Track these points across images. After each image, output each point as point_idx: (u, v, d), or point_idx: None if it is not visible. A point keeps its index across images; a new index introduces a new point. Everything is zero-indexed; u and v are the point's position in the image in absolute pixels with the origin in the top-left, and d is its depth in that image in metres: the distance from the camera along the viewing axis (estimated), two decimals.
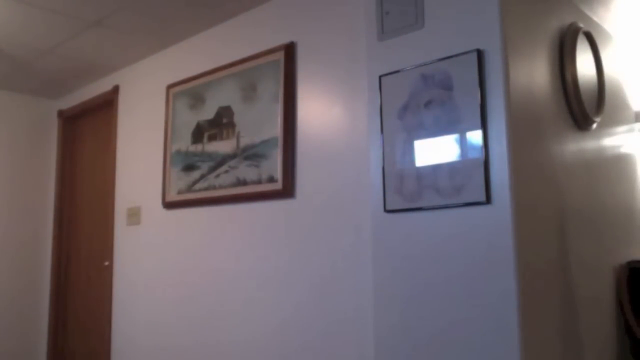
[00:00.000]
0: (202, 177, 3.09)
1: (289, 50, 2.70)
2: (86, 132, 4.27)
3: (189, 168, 3.18)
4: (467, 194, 1.76)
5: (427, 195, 1.86)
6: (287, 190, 2.62)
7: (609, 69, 2.57)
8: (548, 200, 1.95)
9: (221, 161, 2.99)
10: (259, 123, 2.81)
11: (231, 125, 2.96)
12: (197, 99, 3.19)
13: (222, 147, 2.99)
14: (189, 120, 3.23)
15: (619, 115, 2.73)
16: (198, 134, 3.16)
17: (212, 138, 3.07)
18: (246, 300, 2.78)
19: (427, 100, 1.89)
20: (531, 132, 1.88)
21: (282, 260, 2.63)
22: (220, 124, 3.02)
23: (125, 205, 3.68)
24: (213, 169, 3.03)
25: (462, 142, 1.80)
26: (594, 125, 2.35)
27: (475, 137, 1.77)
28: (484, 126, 1.75)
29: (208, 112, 3.11)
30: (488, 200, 1.72)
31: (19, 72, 3.90)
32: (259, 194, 2.75)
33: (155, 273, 3.36)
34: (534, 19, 2.01)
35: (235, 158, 2.91)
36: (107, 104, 3.97)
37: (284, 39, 2.76)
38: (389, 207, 1.96)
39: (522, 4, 1.93)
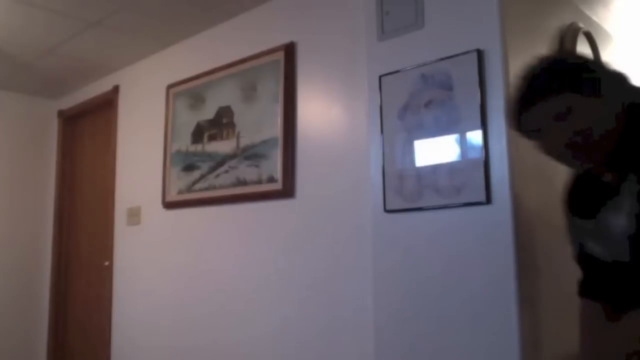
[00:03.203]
0: (202, 177, 3.08)
1: (289, 50, 2.70)
2: (86, 132, 4.27)
3: (189, 168, 3.18)
4: (467, 194, 1.76)
5: (427, 195, 1.86)
6: (287, 190, 2.62)
7: None
8: (548, 200, 1.95)
9: (221, 161, 2.98)
10: (259, 123, 2.81)
11: (231, 125, 2.96)
12: (197, 99, 3.19)
13: (222, 147, 2.99)
14: (189, 120, 3.23)
15: None
16: (198, 134, 3.16)
17: (212, 138, 3.07)
18: (246, 300, 2.78)
19: (427, 100, 1.89)
20: None
21: (282, 260, 2.63)
22: (220, 124, 3.02)
23: (125, 205, 3.68)
24: (213, 169, 3.02)
25: (462, 142, 1.80)
26: None
27: (475, 137, 1.77)
28: (484, 126, 1.75)
29: (208, 112, 3.11)
30: (488, 200, 1.72)
31: (19, 72, 3.89)
32: (259, 194, 2.75)
33: (155, 273, 3.36)
34: (533, 19, 2.01)
35: (235, 158, 2.90)
36: (107, 104, 3.96)
37: (284, 39, 2.75)
38: (389, 207, 1.96)
39: (522, 4, 1.93)
